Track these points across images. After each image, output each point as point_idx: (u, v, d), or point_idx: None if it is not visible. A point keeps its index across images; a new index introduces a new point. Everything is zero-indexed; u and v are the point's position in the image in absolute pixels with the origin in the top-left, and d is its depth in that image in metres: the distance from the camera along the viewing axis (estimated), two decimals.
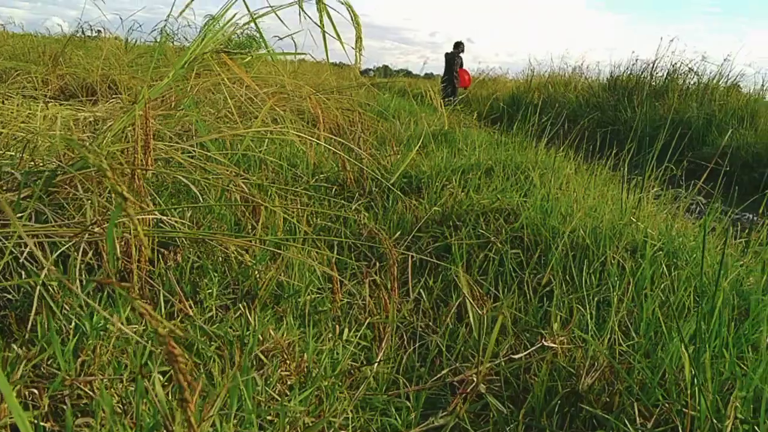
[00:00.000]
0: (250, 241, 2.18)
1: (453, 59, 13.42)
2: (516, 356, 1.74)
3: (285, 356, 1.63)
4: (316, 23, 2.57)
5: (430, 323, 2.19)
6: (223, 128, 3.10)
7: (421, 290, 2.35)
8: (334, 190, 3.44)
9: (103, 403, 1.11)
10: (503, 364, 1.81)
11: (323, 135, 3.44)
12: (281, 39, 4.05)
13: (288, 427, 1.34)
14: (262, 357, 1.60)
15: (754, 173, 7.57)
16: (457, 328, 2.09)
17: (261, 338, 1.67)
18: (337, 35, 2.66)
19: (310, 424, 1.35)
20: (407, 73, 13.92)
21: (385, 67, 13.27)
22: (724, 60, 11.29)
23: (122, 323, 1.47)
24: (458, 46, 13.69)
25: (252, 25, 2.87)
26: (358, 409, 1.57)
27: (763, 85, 10.71)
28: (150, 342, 1.38)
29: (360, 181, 3.64)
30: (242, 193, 2.50)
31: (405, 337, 2.05)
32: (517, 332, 2.05)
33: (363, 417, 1.54)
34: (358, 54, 2.77)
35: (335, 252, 2.51)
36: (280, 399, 1.44)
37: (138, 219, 2.07)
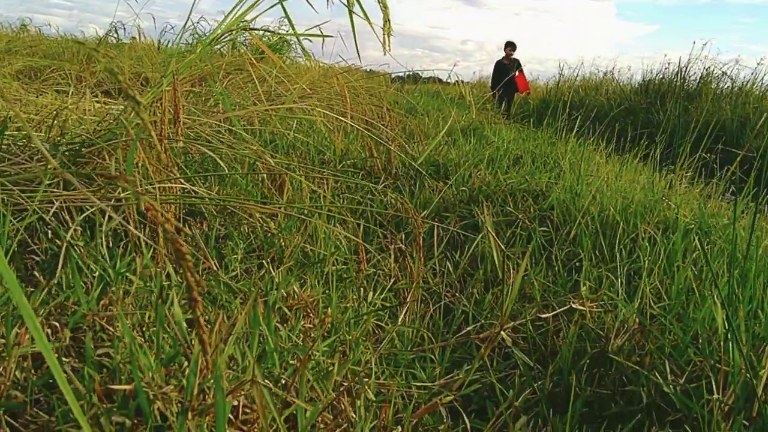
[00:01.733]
0: (277, 209, 2.17)
1: (509, 65, 11.81)
2: (544, 315, 1.71)
3: (309, 311, 1.61)
4: (344, 3, 2.57)
5: (457, 294, 2.16)
6: (249, 100, 3.10)
7: (447, 263, 2.32)
8: (360, 175, 3.43)
9: (123, 331, 1.10)
10: (530, 326, 1.77)
11: (350, 117, 3.44)
12: (312, 34, 4.09)
13: (311, 373, 1.32)
14: (286, 310, 1.59)
15: None
16: (483, 297, 2.07)
17: (285, 294, 1.66)
18: (365, 14, 2.65)
19: (334, 370, 1.33)
20: (438, 80, 13.68)
21: (415, 74, 13.12)
22: (758, 64, 11.09)
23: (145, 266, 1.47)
24: (511, 47, 11.99)
25: (282, 29, 2.88)
26: (383, 362, 1.55)
27: None
28: (169, 283, 1.37)
29: (387, 168, 3.63)
30: (269, 170, 2.50)
31: (431, 304, 2.03)
32: (546, 300, 2.02)
33: (388, 370, 1.52)
34: (387, 37, 2.76)
35: (362, 229, 2.50)
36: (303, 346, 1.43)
37: (164, 187, 2.08)
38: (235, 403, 1.07)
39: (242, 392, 1.06)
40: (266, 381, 1.04)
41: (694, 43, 14.10)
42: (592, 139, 4.72)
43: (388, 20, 2.79)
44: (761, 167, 2.79)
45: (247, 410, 1.09)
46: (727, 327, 1.45)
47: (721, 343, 1.47)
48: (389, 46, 2.90)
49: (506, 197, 2.94)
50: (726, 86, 11.39)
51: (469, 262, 2.39)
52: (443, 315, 2.00)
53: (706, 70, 11.51)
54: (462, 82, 6.10)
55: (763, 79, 11.10)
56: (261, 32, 3.10)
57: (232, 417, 1.05)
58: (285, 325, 1.53)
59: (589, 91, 13.37)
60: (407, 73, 11.27)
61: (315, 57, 5.14)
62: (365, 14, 2.62)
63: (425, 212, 2.80)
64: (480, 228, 2.53)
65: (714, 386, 1.41)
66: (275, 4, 2.75)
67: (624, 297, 1.90)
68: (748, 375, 1.39)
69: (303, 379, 1.13)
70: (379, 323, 1.79)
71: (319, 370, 1.33)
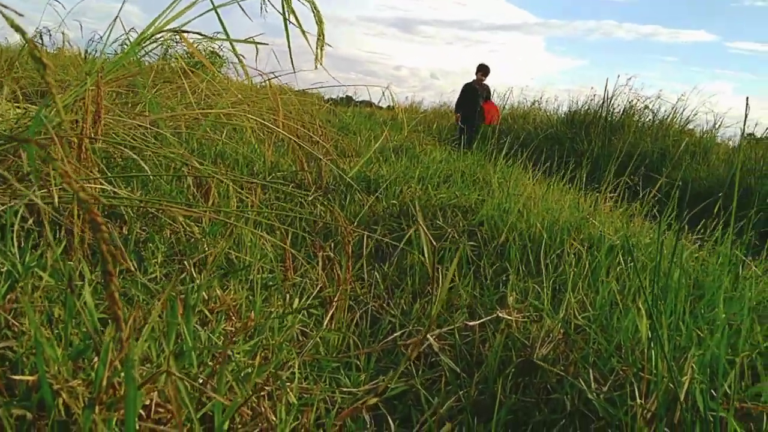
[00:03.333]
0: (201, 213, 2.10)
1: (479, 91, 10.36)
2: (471, 323, 1.70)
3: (231, 314, 1.56)
4: (279, 11, 2.53)
5: (384, 304, 2.14)
6: (177, 108, 3.03)
7: (376, 274, 2.30)
8: (290, 187, 3.38)
9: (28, 322, 1.03)
10: (457, 335, 1.76)
11: (282, 129, 3.39)
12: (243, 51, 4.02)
13: (230, 374, 1.26)
14: (207, 313, 1.53)
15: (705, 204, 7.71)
16: (411, 307, 2.05)
17: (206, 297, 1.59)
18: (299, 26, 2.62)
19: (254, 372, 1.28)
20: (371, 103, 13.66)
21: (348, 97, 13.06)
22: (678, 99, 11.59)
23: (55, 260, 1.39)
24: (483, 71, 10.49)
25: (215, 44, 2.82)
26: (307, 367, 1.50)
27: (715, 124, 10.99)
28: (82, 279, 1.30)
29: (318, 182, 3.59)
30: (195, 175, 2.43)
31: (358, 313, 1.99)
32: (472, 310, 2.01)
33: (312, 375, 1.48)
34: (320, 51, 2.74)
35: (290, 237, 2.44)
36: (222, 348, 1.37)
37: (82, 186, 1.99)
38: (147, 402, 1.01)
39: (156, 388, 1.00)
40: (182, 376, 0.98)
41: (618, 76, 14.60)
42: (520, 162, 4.80)
43: (323, 34, 2.77)
44: (680, 196, 2.89)
45: (161, 410, 1.03)
46: (651, 335, 1.47)
47: (645, 352, 1.49)
48: (321, 60, 2.89)
49: (436, 212, 2.95)
50: (648, 119, 11.85)
51: (398, 273, 2.37)
52: (370, 324, 1.96)
53: (630, 103, 11.94)
54: (397, 103, 6.13)
55: (682, 114, 11.61)
56: (193, 37, 3.02)
57: (143, 413, 0.99)
58: (205, 327, 1.47)
59: (518, 119, 13.68)
60: (341, 95, 11.20)
61: (249, 74, 5.08)
62: (299, 25, 2.60)
63: (355, 223, 2.77)
64: (409, 241, 2.51)
65: (637, 393, 1.43)
66: (209, 10, 2.69)
67: (549, 308, 1.91)
68: (670, 383, 1.40)
69: (221, 378, 1.08)
70: (305, 330, 1.75)
71: (238, 371, 1.27)
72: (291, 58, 3.01)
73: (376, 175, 3.84)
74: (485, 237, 2.72)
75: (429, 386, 1.64)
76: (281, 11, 2.49)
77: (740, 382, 1.49)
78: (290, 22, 2.56)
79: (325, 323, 1.66)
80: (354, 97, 13.74)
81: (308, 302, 1.77)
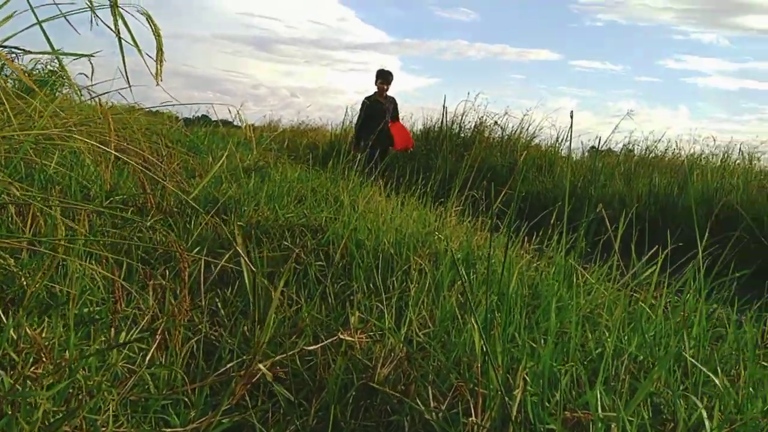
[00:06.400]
0: (16, 244, 1.92)
1: (384, 105, 8.38)
2: (310, 348, 1.64)
3: (43, 355, 1.41)
4: (111, 29, 2.39)
5: (224, 333, 2.04)
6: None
7: (217, 300, 2.20)
8: (130, 211, 3.20)
9: None
10: (299, 361, 1.70)
11: (121, 151, 3.21)
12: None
13: (30, 422, 1.13)
14: (14, 355, 1.38)
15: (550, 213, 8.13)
16: (254, 336, 1.96)
17: (14, 337, 1.44)
18: (135, 43, 2.48)
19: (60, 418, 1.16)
20: (228, 123, 13.34)
21: (205, 116, 12.70)
22: (524, 115, 12.21)
23: None
24: (384, 78, 8.41)
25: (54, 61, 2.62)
26: (130, 408, 1.39)
27: (558, 138, 11.64)
28: None
29: (162, 205, 3.43)
30: (15, 202, 2.23)
31: (194, 345, 1.88)
32: (316, 333, 1.96)
33: (136, 416, 1.36)
34: (159, 66, 2.61)
35: (124, 268, 2.29)
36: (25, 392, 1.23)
37: None
38: None
39: None
40: None
41: (468, 93, 15.11)
42: (373, 178, 4.83)
43: (161, 49, 2.64)
44: (527, 208, 2.99)
45: None
46: (485, 349, 1.48)
47: (479, 367, 1.49)
48: (160, 75, 2.75)
49: (284, 232, 2.88)
50: (497, 135, 12.38)
51: (242, 299, 2.28)
52: (208, 355, 1.86)
53: (480, 119, 12.44)
54: (245, 121, 6.00)
55: (527, 129, 12.23)
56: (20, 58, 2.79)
57: None
58: (12, 372, 1.32)
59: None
60: (196, 114, 10.87)
61: (87, 93, 4.79)
62: (132, 36, 2.46)
63: (197, 249, 2.65)
64: (254, 263, 2.43)
65: (472, 410, 1.43)
66: (32, 25, 2.50)
67: (392, 326, 1.89)
68: (505, 397, 1.41)
69: (16, 428, 0.96)
70: (132, 367, 1.62)
71: (45, 419, 1.15)
72: (126, 73, 2.84)
73: (223, 196, 3.72)
74: (334, 256, 2.68)
75: (269, 417, 1.57)
76: (112, 27, 2.36)
77: (571, 391, 1.53)
78: (124, 39, 2.43)
79: (148, 357, 1.54)
80: (211, 117, 13.36)
81: (134, 336, 1.65)
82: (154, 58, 2.57)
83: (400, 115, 9.07)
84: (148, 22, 2.52)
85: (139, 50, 2.52)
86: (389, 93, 8.53)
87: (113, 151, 2.76)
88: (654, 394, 1.63)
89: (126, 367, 1.58)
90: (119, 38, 2.40)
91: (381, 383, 1.60)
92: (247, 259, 1.47)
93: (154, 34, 2.56)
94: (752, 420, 1.45)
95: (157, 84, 2.60)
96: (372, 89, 8.59)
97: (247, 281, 1.63)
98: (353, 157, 6.19)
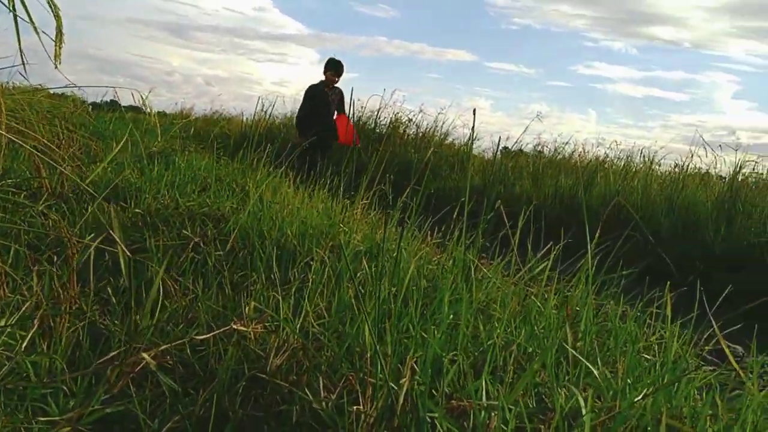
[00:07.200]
0: None
1: (329, 96, 7.88)
2: (201, 337, 1.61)
3: None
4: (5, 4, 2.27)
5: (117, 321, 1.97)
6: None
7: (109, 289, 2.12)
8: (23, 195, 3.05)
9: None
10: (189, 350, 1.67)
11: (4, 125, 3.05)
12: None
13: None
14: None
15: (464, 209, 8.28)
16: (150, 324, 1.91)
17: None
18: (31, 20, 2.37)
19: None
20: (138, 109, 12.83)
21: (113, 101, 12.23)
22: (438, 113, 12.37)
23: None
24: (334, 69, 7.83)
25: None
26: (5, 396, 1.33)
27: (470, 136, 11.85)
28: None
29: (58, 190, 3.29)
30: None
31: (81, 332, 1.82)
32: (210, 323, 1.92)
33: (11, 404, 1.30)
34: (58, 48, 2.50)
35: (11, 254, 2.18)
36: None
37: None
38: None
39: None
40: None
41: (384, 90, 15.21)
42: (281, 170, 4.78)
43: (61, 30, 2.52)
44: (435, 203, 3.04)
45: None
46: (374, 340, 1.49)
47: (369, 357, 1.50)
48: (59, 57, 2.63)
49: (185, 220, 2.81)
50: (412, 132, 12.50)
51: (137, 287, 2.21)
52: (97, 343, 1.80)
53: (395, 116, 12.51)
54: (149, 107, 5.82)
55: (441, 127, 12.40)
56: None
57: None
58: None
59: (290, 128, 13.76)
60: (104, 99, 10.45)
61: None
62: (30, 17, 2.35)
63: (92, 235, 2.55)
64: (148, 251, 2.36)
65: (361, 399, 1.43)
66: None
67: (288, 317, 1.88)
68: (391, 386, 1.43)
69: None
70: (11, 354, 1.55)
71: None
72: (21, 53, 2.71)
73: (126, 183, 3.60)
74: (236, 246, 2.64)
75: (156, 407, 1.53)
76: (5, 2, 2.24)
77: (459, 381, 1.56)
78: (20, 17, 2.31)
79: (24, 344, 1.48)
80: (119, 101, 12.87)
81: (12, 322, 1.58)
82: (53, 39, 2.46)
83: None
84: (48, 3, 2.41)
85: (35, 28, 2.41)
86: (339, 84, 8.03)
87: (4, 133, 2.62)
88: (539, 385, 1.68)
89: (5, 354, 1.51)
90: (15, 15, 2.28)
91: (273, 374, 1.59)
92: (123, 245, 1.42)
93: (53, 14, 2.46)
94: (630, 408, 1.52)
95: (56, 67, 2.49)
96: (305, 84, 8.02)
97: (122, 266, 1.58)
98: (299, 146, 5.64)
